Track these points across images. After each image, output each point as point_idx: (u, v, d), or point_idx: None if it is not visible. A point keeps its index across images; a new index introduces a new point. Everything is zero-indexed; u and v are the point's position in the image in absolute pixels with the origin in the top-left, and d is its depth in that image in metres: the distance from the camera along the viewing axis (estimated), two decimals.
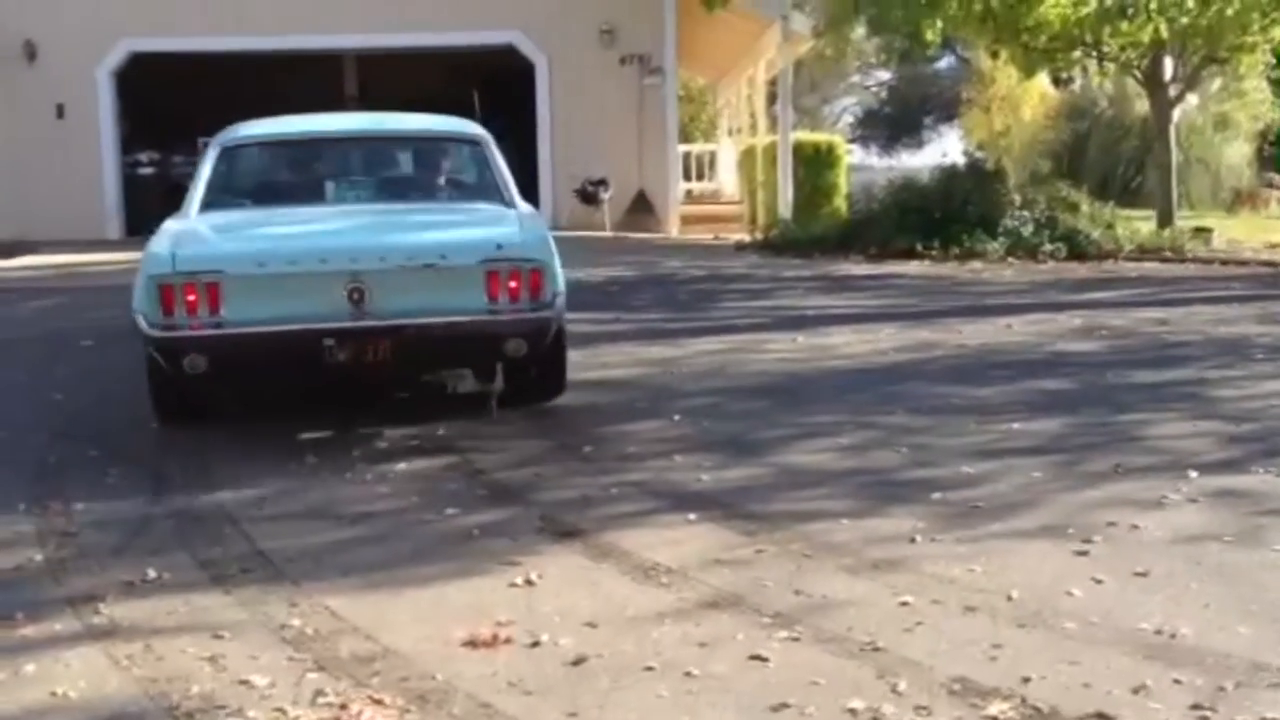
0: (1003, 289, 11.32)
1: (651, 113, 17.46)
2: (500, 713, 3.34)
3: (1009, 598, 4.06)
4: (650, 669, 3.58)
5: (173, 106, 17.54)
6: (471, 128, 7.38)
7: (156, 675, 3.58)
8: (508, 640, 3.77)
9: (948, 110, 47.13)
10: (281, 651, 3.73)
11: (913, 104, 49.06)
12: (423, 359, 6.34)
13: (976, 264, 12.95)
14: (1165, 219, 15.25)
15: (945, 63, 42.84)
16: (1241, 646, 3.69)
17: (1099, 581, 4.20)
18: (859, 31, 18.29)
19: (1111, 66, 15.40)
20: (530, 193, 16.93)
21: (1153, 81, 14.98)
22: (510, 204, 6.82)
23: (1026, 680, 3.47)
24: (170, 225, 6.51)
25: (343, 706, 3.36)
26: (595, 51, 17.27)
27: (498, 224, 6.42)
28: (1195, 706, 3.34)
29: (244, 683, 3.51)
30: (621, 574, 4.34)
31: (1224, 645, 3.69)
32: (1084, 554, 4.45)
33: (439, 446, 5.96)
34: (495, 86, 18.11)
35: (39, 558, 4.55)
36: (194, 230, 6.40)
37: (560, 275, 6.17)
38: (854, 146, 50.27)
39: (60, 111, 17.00)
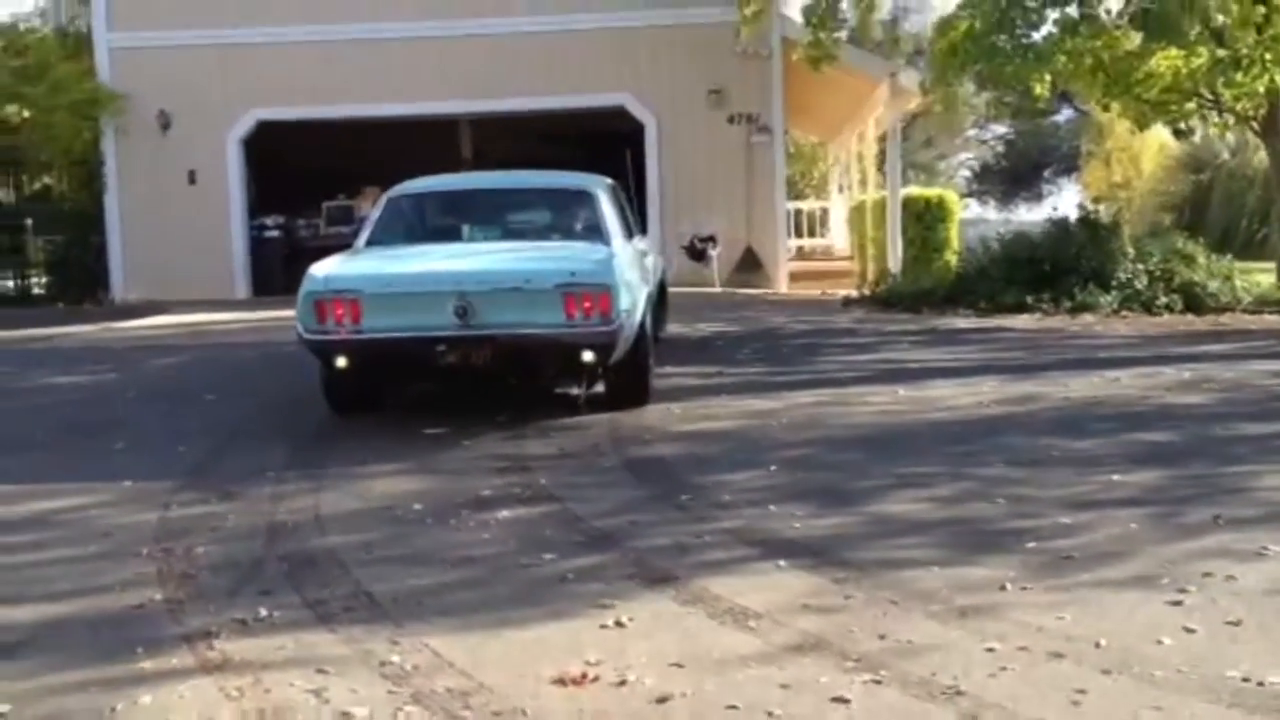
0: (1112, 342, 11.17)
1: (759, 170, 17.63)
2: None
3: (1097, 645, 4.06)
4: (733, 708, 3.67)
5: (296, 173, 18.23)
6: (582, 181, 9.14)
7: (264, 706, 3.77)
8: (595, 679, 3.89)
9: (1066, 163, 46.62)
10: (381, 686, 3.89)
11: (1030, 157, 48.60)
12: (515, 362, 7.75)
13: (1088, 318, 12.79)
14: None
15: (1063, 115, 42.46)
16: None
17: (1190, 631, 4.18)
18: (968, 87, 18.21)
19: (1228, 118, 15.13)
20: None
21: (1270, 132, 14.71)
22: (606, 242, 8.28)
23: None
24: (334, 256, 8.31)
25: None
26: (704, 111, 17.53)
27: (583, 257, 7.80)
28: None
29: (345, 715, 3.68)
30: (710, 618, 4.43)
31: None
32: (1177, 604, 4.42)
33: (539, 495, 6.12)
34: (608, 146, 18.56)
35: (159, 597, 4.79)
36: (347, 259, 8.23)
37: (630, 298, 7.56)
38: (970, 201, 49.97)
39: (192, 178, 17.76)
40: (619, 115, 17.76)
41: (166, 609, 4.66)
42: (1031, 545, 5.10)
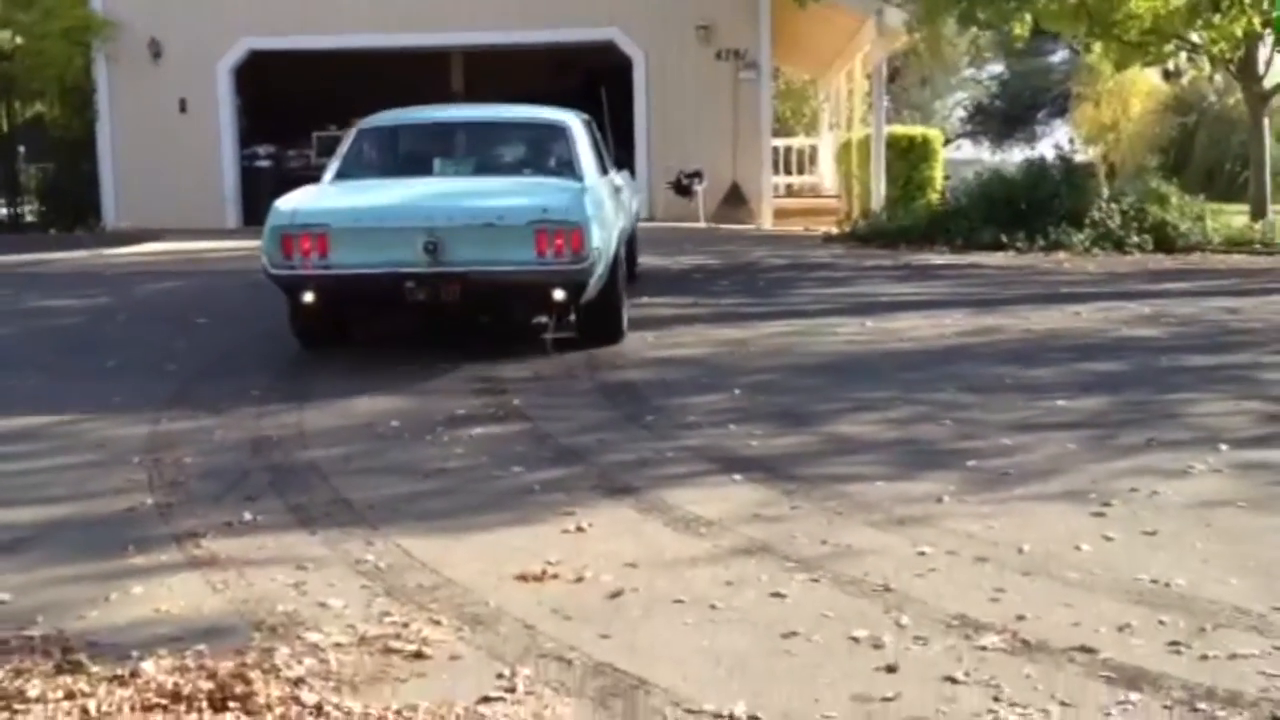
0: (1080, 279, 11.46)
1: (746, 107, 17.77)
2: (542, 633, 3.77)
3: (1020, 550, 4.39)
4: (679, 602, 3.99)
5: (287, 103, 18.33)
6: (556, 115, 8.91)
7: (247, 597, 4.08)
8: (555, 576, 4.21)
9: (1059, 105, 46.62)
10: (356, 581, 4.21)
11: (1024, 98, 48.58)
12: (485, 300, 7.73)
13: (1061, 256, 13.07)
14: (1259, 212, 15.15)
15: (1058, 56, 42.43)
16: (1230, 595, 3.97)
17: (1109, 539, 4.50)
18: (952, 27, 18.33)
19: (1204, 60, 15.31)
20: None
21: (1246, 75, 14.90)
22: (580, 178, 8.10)
23: (1021, 619, 3.81)
24: (302, 189, 8.17)
25: (405, 625, 3.82)
26: (692, 47, 17.64)
27: (556, 193, 7.64)
28: (1172, 643, 3.65)
29: (321, 604, 3.99)
30: (665, 525, 4.75)
31: (1213, 594, 3.98)
32: (1100, 515, 4.75)
33: (512, 414, 6.42)
34: (595, 81, 18.66)
35: (149, 502, 5.09)
36: (314, 192, 8.08)
37: (602, 236, 7.44)
38: (964, 141, 49.95)
39: (183, 106, 17.87)
40: (608, 50, 17.87)
41: (156, 512, 4.97)
42: (972, 464, 5.42)
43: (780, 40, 18.92)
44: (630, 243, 10.02)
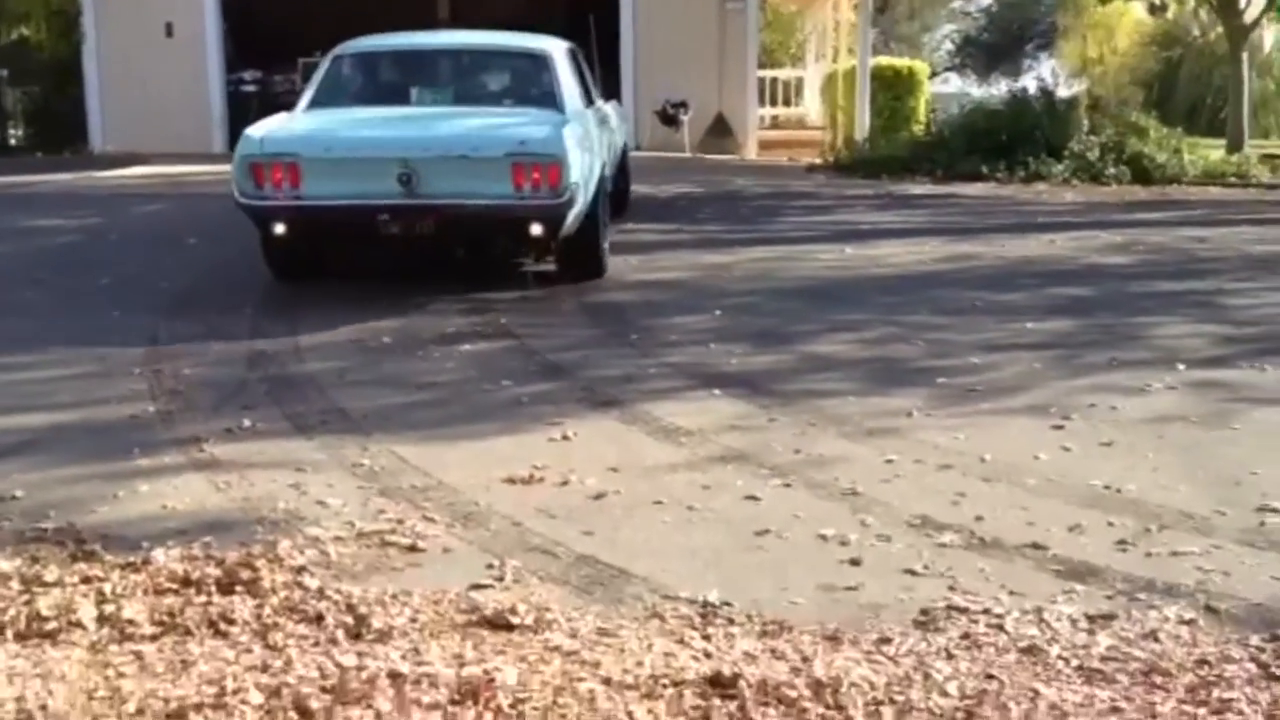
0: (1057, 209, 11.67)
1: (732, 38, 17.82)
2: (528, 530, 4.01)
3: (982, 459, 4.64)
4: (659, 503, 4.23)
5: (274, 28, 18.30)
6: (538, 43, 8.59)
7: (249, 496, 4.31)
8: (541, 480, 4.45)
9: (1046, 38, 46.51)
10: (353, 482, 4.44)
11: (1012, 31, 48.44)
12: (460, 234, 7.56)
13: (1040, 186, 13.26)
14: (1235, 145, 15.35)
15: None
16: (1176, 500, 4.23)
17: (1066, 449, 4.76)
18: None
19: None
20: None
21: (1227, 8, 15.01)
22: (561, 109, 7.86)
23: (979, 519, 4.07)
24: (274, 116, 7.99)
25: (399, 521, 4.06)
26: None
27: (534, 125, 7.40)
28: (1119, 542, 3.91)
29: (320, 503, 4.22)
30: (646, 434, 4.98)
31: (1161, 499, 4.24)
32: (1060, 428, 5.00)
33: (501, 332, 6.63)
34: (582, 10, 18.65)
35: (151, 409, 5.30)
36: (286, 120, 7.83)
37: (582, 170, 7.22)
38: (951, 74, 49.82)
39: (169, 30, 17.84)
40: None
41: (159, 419, 5.18)
42: (941, 380, 5.66)
43: None
44: (622, 171, 9.94)
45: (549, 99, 8.03)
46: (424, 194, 7.04)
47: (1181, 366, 5.82)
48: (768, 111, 23.05)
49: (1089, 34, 31.46)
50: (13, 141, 19.15)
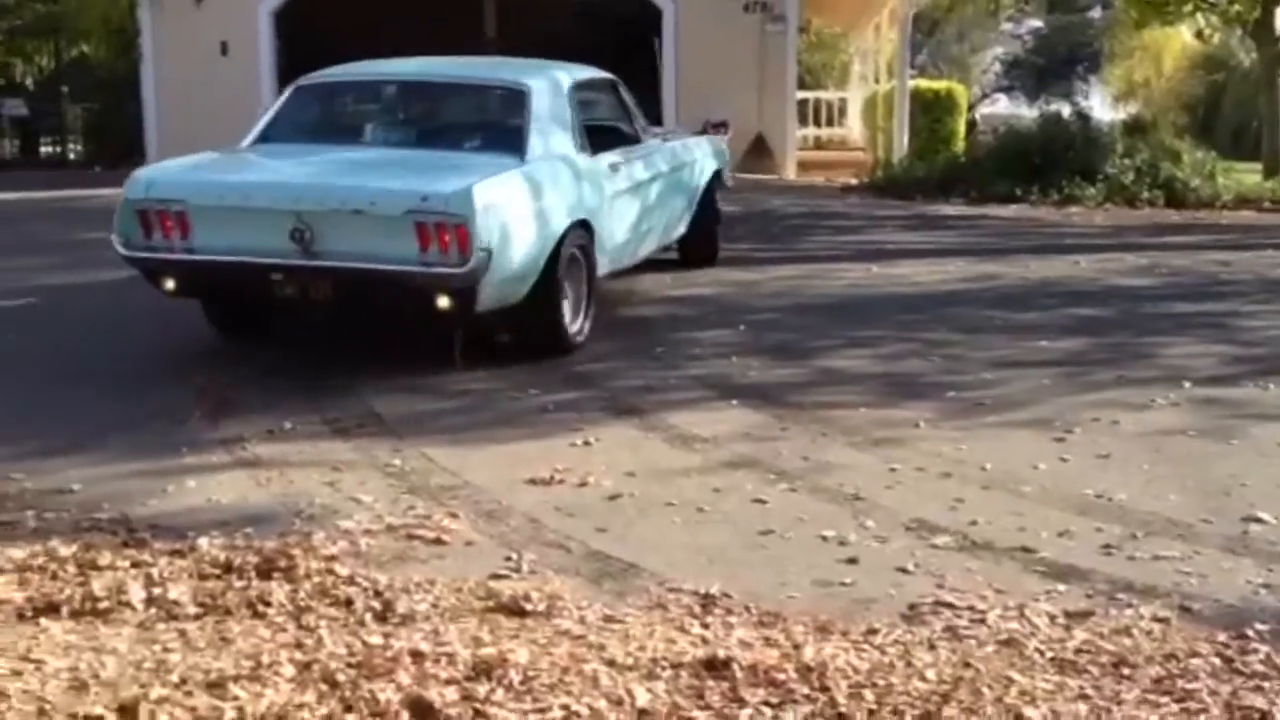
0: (1086, 231, 11.83)
1: (773, 59, 18.06)
2: (546, 526, 4.28)
3: (982, 469, 4.86)
4: (670, 504, 4.49)
5: (325, 47, 18.75)
6: (520, 76, 7.17)
7: (287, 491, 4.61)
8: (561, 481, 4.72)
9: (1096, 61, 46.49)
10: (384, 481, 4.73)
11: (1061, 53, 48.44)
12: (362, 303, 6.44)
13: (1072, 209, 13.39)
14: (1272, 169, 15.41)
15: (1097, 12, 42.33)
16: (1165, 509, 4.44)
17: (1064, 460, 4.97)
18: None
19: (1216, 19, 15.53)
20: None
21: (1261, 34, 15.11)
22: (522, 155, 6.54)
23: (973, 523, 4.30)
24: (179, 158, 7.07)
25: (427, 517, 4.34)
26: None
27: (450, 177, 6.07)
28: (1104, 546, 4.13)
29: (354, 499, 4.51)
30: (663, 441, 5.24)
31: (1150, 507, 4.45)
32: (1060, 440, 5.21)
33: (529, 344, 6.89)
34: (626, 30, 18.99)
35: (198, 414, 5.61)
36: (190, 161, 6.90)
37: (510, 231, 6.00)
38: (1000, 95, 49.78)
39: (224, 49, 18.34)
40: (639, 2, 18.18)
41: (206, 421, 5.48)
42: (951, 394, 5.88)
43: None
44: (705, 214, 8.86)
45: (513, 143, 6.66)
46: (320, 253, 5.94)
47: (1187, 384, 6.00)
48: (810, 132, 23.27)
49: (1136, 57, 31.44)
50: (72, 155, 19.74)
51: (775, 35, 18.04)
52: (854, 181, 16.12)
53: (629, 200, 7.46)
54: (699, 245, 9.07)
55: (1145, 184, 13.86)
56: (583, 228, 6.69)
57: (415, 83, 7.70)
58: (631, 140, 7.86)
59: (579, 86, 7.38)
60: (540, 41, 15.82)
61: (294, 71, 19.94)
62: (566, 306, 6.58)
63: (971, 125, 23.40)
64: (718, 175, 9.30)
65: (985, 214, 12.92)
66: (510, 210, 6.11)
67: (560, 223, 6.45)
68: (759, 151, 18.31)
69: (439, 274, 5.86)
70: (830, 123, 25.70)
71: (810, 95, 23.75)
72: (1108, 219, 12.76)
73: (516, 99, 6.95)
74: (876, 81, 22.54)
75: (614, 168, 7.27)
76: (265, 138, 7.09)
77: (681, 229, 8.68)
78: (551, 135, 6.87)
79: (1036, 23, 48.16)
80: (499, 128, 7.05)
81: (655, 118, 17.93)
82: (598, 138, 7.31)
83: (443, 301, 5.92)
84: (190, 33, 18.17)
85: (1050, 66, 48.79)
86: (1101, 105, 26.32)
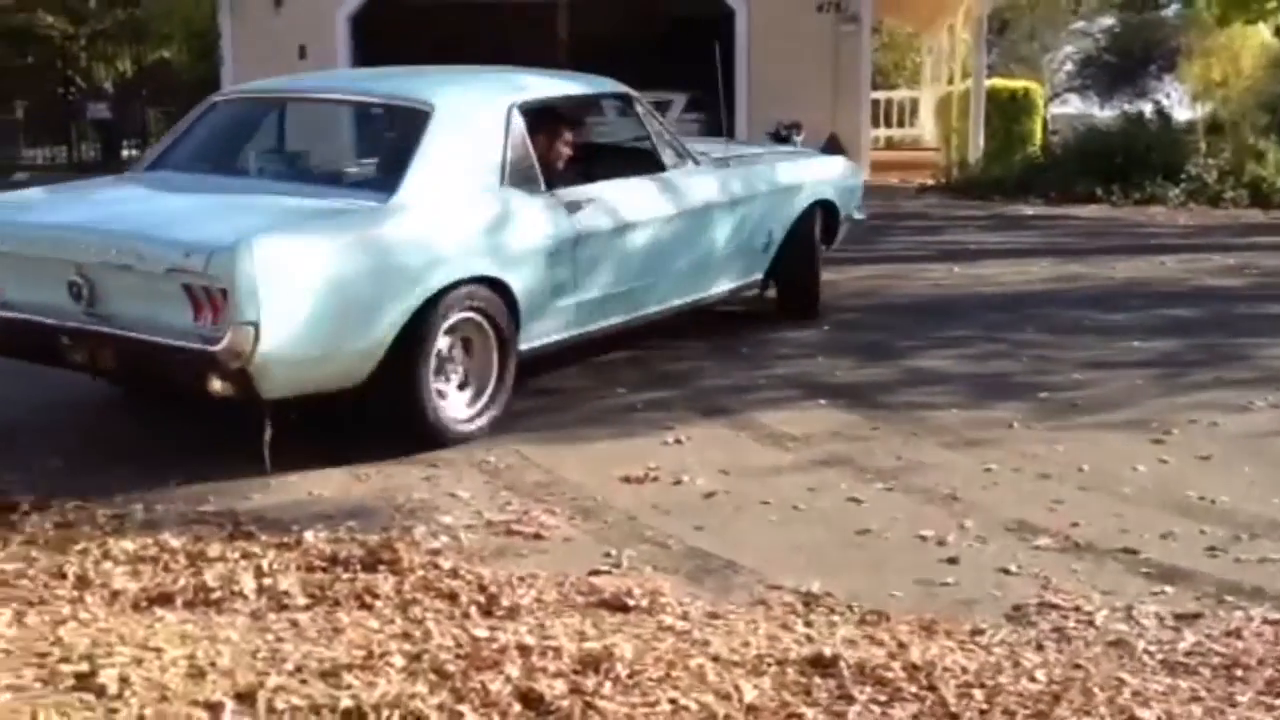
0: (1170, 231, 11.67)
1: (846, 59, 17.99)
2: (642, 523, 4.30)
3: (1080, 469, 4.81)
4: (766, 503, 4.50)
5: (402, 52, 18.96)
6: (429, 92, 5.68)
7: (387, 487, 4.67)
8: (655, 479, 4.74)
9: (1170, 60, 45.78)
10: (480, 478, 4.78)
11: (1135, 52, 47.76)
12: (146, 377, 5.29)
13: (1154, 209, 13.21)
14: None
15: (1172, 10, 41.70)
16: (1269, 511, 4.38)
17: (1164, 461, 4.91)
18: None
19: None
20: (728, 135, 17.90)
21: None
22: (391, 193, 5.14)
23: (1075, 525, 4.26)
24: (41, 187, 6.18)
25: (524, 513, 4.38)
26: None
27: (258, 222, 4.85)
28: (1209, 549, 4.08)
29: (451, 495, 4.57)
30: (755, 440, 5.25)
31: (1254, 510, 4.39)
32: (1159, 442, 5.15)
33: (616, 344, 6.91)
34: (698, 31, 19.01)
35: (293, 416, 5.66)
36: (26, 194, 6.02)
37: (304, 300, 4.68)
38: (1072, 95, 49.17)
39: (302, 53, 18.58)
40: (711, 3, 18.19)
41: (306, 417, 5.54)
42: (1044, 395, 5.83)
43: None
44: (793, 250, 7.17)
45: (390, 176, 5.32)
46: (101, 315, 4.83)
47: None
48: (882, 133, 23.15)
49: (1213, 56, 30.86)
50: None
51: (849, 35, 17.95)
52: (930, 182, 16.01)
53: (607, 246, 5.88)
54: (786, 294, 7.37)
55: (1229, 184, 13.63)
56: (487, 286, 5.23)
57: (313, 101, 6.43)
58: (650, 167, 6.34)
59: (535, 105, 5.90)
60: (611, 45, 15.88)
61: None
62: (448, 388, 5.19)
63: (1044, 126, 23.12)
64: (828, 208, 7.44)
65: (1066, 214, 12.77)
66: (315, 270, 4.75)
67: (433, 281, 5.00)
68: (832, 152, 18.18)
69: (199, 351, 4.58)
70: (901, 123, 25.56)
71: (882, 95, 23.64)
72: (1191, 219, 12.57)
73: (414, 120, 5.46)
74: (950, 81, 22.34)
75: (573, 207, 5.68)
76: (159, 163, 6.04)
77: (750, 275, 7.00)
78: (457, 167, 5.41)
79: (1109, 20, 47.58)
80: (385, 156, 5.87)
81: (723, 125, 18.03)
82: (583, 167, 6.17)
83: (215, 384, 4.64)
84: (269, 37, 18.43)
85: (1124, 66, 48.14)
86: (1179, 104, 25.84)
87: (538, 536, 4.17)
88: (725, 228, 6.67)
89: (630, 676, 3.18)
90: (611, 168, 6.25)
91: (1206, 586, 3.78)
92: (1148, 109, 15.70)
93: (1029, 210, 13.13)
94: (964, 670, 3.24)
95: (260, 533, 4.13)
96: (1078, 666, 3.28)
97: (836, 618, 3.57)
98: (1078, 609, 3.62)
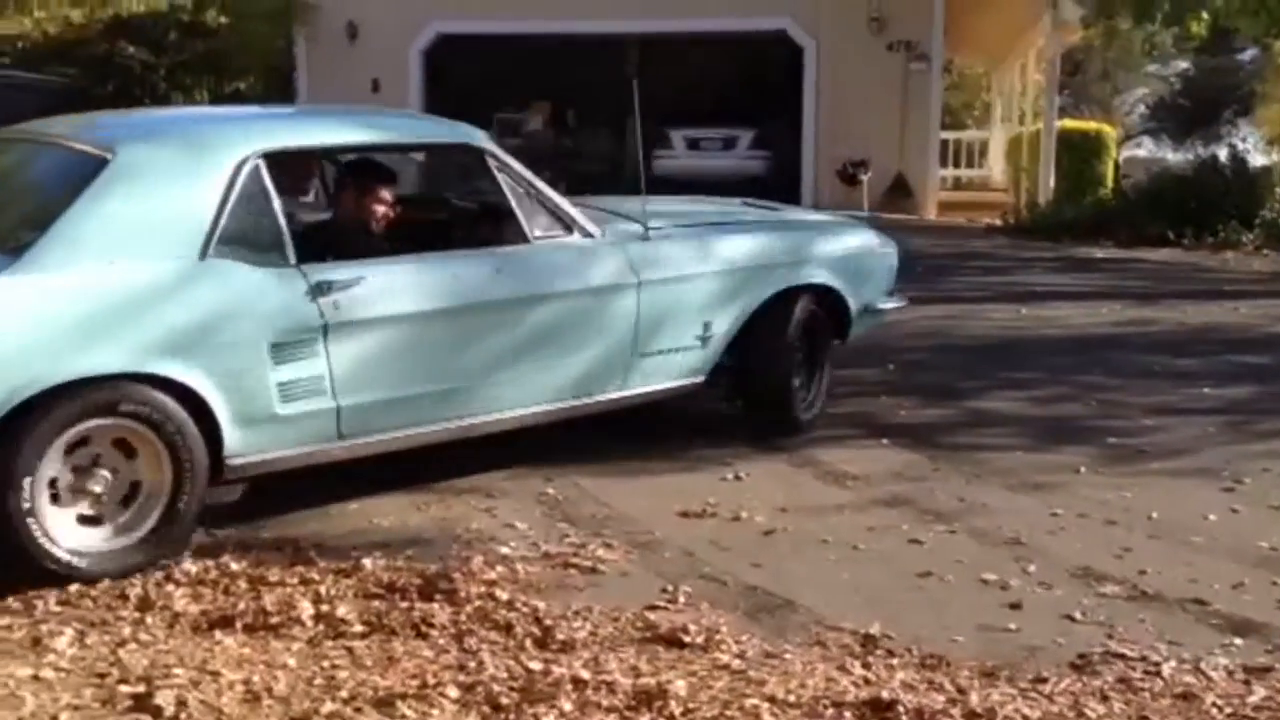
0: (1244, 277, 11.48)
1: (915, 98, 17.94)
2: (700, 560, 4.27)
3: (1149, 517, 4.72)
4: (825, 542, 4.45)
5: (471, 86, 19.19)
6: (109, 140, 4.54)
7: (446, 517, 4.68)
8: (713, 514, 4.71)
9: (1246, 103, 45.17)
10: (539, 509, 4.77)
11: (1209, 95, 47.19)
12: None
13: (1228, 254, 13.02)
14: None
15: (1248, 54, 41.19)
16: None
17: (1235, 510, 4.81)
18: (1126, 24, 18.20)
19: None
20: (793, 172, 17.92)
21: None
22: (8, 260, 4.06)
23: (1142, 573, 4.17)
24: None
25: (581, 545, 4.37)
26: (863, 37, 17.86)
27: None
28: None
29: (509, 526, 4.57)
30: (815, 478, 5.20)
31: None
32: (1230, 490, 5.04)
33: None
34: (766, 68, 19.04)
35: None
36: None
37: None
38: (1145, 138, 48.64)
39: (375, 86, 18.85)
40: (779, 40, 18.24)
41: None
42: (1111, 440, 5.73)
43: (953, 32, 19.00)
44: (757, 350, 5.68)
45: (31, 237, 4.17)
46: None
47: None
48: (950, 172, 23.01)
49: None
50: None
51: (918, 74, 17.90)
52: (998, 222, 15.88)
53: (390, 337, 4.66)
54: (750, 402, 5.87)
55: None
56: (158, 385, 4.12)
57: (6, 141, 5.21)
58: (511, 237, 5.06)
59: (297, 154, 5.04)
60: (681, 81, 15.96)
61: (441, 109, 20.44)
62: (64, 519, 4.01)
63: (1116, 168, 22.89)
64: (828, 294, 5.89)
65: (1137, 257, 12.61)
66: None
67: (43, 374, 3.91)
68: (899, 191, 18.17)
69: None
70: (970, 163, 25.41)
71: (950, 135, 23.52)
72: (1266, 264, 12.36)
73: (84, 170, 4.39)
74: (1021, 122, 22.19)
75: (322, 288, 4.46)
76: None
77: (683, 377, 5.53)
78: (127, 230, 4.27)
79: (1183, 64, 47.06)
80: (34, 211, 4.50)
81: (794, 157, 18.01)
82: (410, 234, 5.06)
83: None
84: (343, 69, 18.71)
85: (1197, 110, 47.55)
86: (1254, 149, 25.47)
87: (594, 570, 4.15)
88: (617, 317, 5.23)
89: (684, 714, 3.15)
90: (443, 237, 5.18)
91: (1278, 639, 3.68)
92: (1222, 153, 15.43)
93: (1099, 253, 12.98)
94: (1026, 719, 3.17)
95: (319, 559, 4.15)
96: (1144, 719, 3.20)
97: (895, 661, 3.52)
98: (1144, 659, 3.53)
